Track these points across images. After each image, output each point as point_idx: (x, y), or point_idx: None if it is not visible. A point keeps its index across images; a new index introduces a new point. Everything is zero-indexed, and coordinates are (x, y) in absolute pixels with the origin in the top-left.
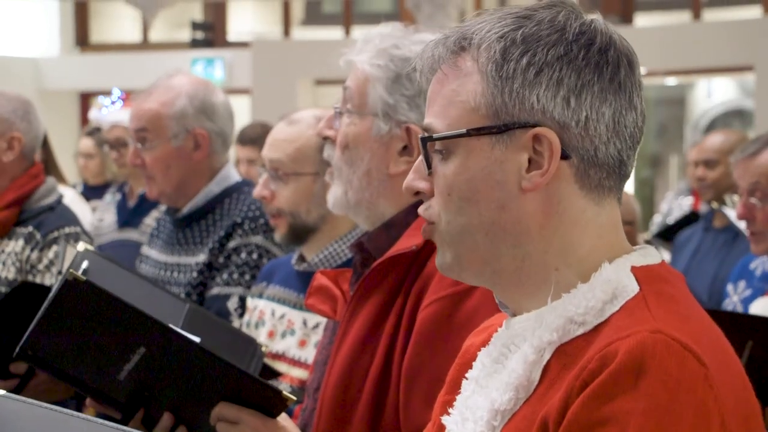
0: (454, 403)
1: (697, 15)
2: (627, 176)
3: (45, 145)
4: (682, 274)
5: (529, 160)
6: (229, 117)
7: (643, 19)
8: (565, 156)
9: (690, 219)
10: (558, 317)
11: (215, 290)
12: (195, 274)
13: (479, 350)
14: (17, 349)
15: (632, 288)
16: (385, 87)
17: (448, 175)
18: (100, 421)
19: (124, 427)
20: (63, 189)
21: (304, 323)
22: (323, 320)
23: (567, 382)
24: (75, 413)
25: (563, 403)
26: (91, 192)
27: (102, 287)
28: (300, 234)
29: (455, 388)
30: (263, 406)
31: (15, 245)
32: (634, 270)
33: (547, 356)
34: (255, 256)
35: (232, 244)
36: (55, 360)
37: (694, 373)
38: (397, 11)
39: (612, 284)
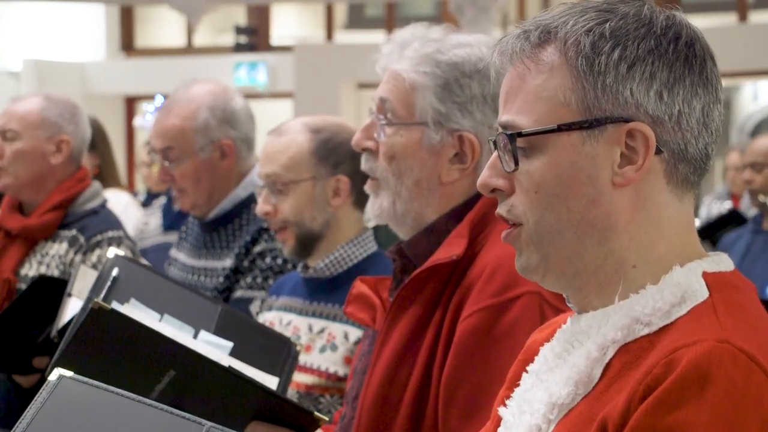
0: (512, 395)
1: (743, 17)
2: (707, 171)
3: (103, 149)
4: (753, 284)
5: (620, 155)
6: (251, 120)
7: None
8: (657, 151)
9: (731, 218)
10: (624, 317)
11: (238, 293)
12: (222, 279)
13: (542, 345)
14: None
15: (702, 293)
16: (435, 95)
17: (534, 172)
18: (167, 407)
19: (189, 415)
20: (118, 194)
21: (310, 329)
22: (329, 324)
23: (630, 385)
24: (142, 399)
25: (625, 406)
26: (154, 199)
27: (126, 315)
28: (307, 244)
29: (516, 385)
30: (295, 424)
31: (59, 248)
32: (706, 276)
33: (610, 354)
34: (280, 261)
35: (257, 248)
36: None
37: (760, 386)
38: (440, 15)
39: (681, 288)
